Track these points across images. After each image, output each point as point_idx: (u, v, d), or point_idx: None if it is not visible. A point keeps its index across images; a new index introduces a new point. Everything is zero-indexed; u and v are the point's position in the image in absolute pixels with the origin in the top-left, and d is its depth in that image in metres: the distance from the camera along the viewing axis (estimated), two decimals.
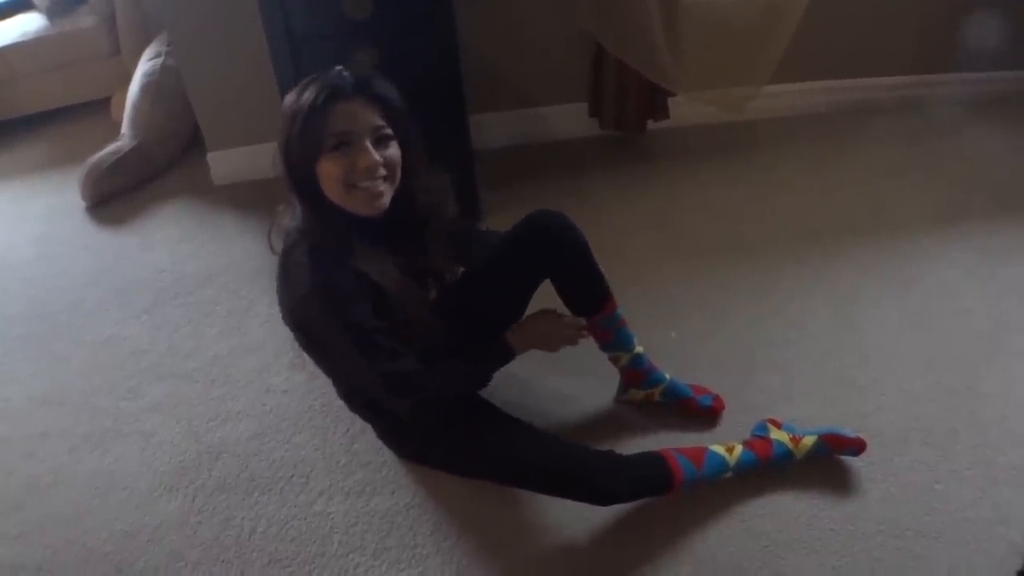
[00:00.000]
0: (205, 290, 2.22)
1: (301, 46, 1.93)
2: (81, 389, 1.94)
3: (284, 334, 1.39)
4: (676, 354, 1.82)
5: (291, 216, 1.33)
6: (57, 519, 1.62)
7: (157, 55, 2.85)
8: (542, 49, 2.59)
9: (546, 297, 1.60)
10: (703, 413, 1.70)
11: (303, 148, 1.24)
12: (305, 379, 1.84)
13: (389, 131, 1.30)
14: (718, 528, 1.50)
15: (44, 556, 1.55)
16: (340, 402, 1.60)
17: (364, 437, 1.71)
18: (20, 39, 3.10)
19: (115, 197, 2.68)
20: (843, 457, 1.60)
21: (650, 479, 1.45)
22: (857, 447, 1.57)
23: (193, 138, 2.87)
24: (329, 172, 1.26)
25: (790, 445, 1.57)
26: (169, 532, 1.57)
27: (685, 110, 2.63)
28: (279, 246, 1.33)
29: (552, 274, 1.57)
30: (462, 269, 1.60)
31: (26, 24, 3.18)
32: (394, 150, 1.31)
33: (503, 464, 1.47)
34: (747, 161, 2.62)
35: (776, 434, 1.59)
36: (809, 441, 1.57)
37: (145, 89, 2.77)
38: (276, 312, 1.36)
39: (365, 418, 1.61)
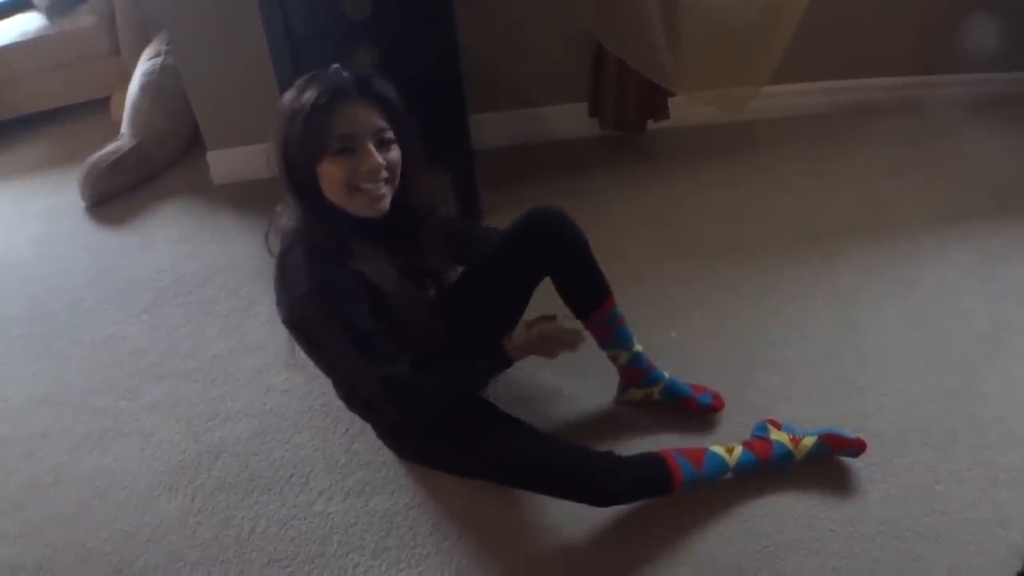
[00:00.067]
0: (205, 289, 2.22)
1: (301, 46, 1.93)
2: (81, 389, 1.94)
3: (284, 334, 1.39)
4: (676, 354, 1.82)
5: (288, 217, 1.33)
6: (57, 519, 1.62)
7: (157, 54, 2.85)
8: (542, 49, 2.59)
9: (546, 297, 1.60)
10: (703, 411, 1.70)
11: (305, 149, 1.24)
12: (305, 379, 1.84)
13: (391, 134, 1.29)
14: (718, 529, 1.50)
15: (44, 556, 1.55)
16: (340, 402, 1.60)
17: (364, 437, 1.71)
18: (20, 39, 3.10)
19: (115, 197, 2.68)
20: (843, 458, 1.60)
21: (650, 480, 1.45)
22: (857, 448, 1.57)
23: (193, 138, 2.87)
24: (332, 174, 1.25)
25: (790, 446, 1.57)
26: (169, 532, 1.57)
27: (685, 110, 2.63)
28: (276, 248, 1.33)
29: (551, 270, 1.57)
30: (461, 268, 1.60)
31: (26, 24, 3.18)
32: (396, 152, 1.31)
33: (503, 464, 1.47)
34: (747, 161, 2.62)
35: (776, 435, 1.59)
36: (809, 442, 1.57)
37: (145, 88, 2.77)
38: (276, 312, 1.36)
39: (365, 418, 1.61)
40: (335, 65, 1.28)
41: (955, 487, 1.56)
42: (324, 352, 1.38)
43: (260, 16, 1.91)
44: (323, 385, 1.71)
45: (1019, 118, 2.79)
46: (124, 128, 2.77)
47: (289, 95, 1.26)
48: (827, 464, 1.59)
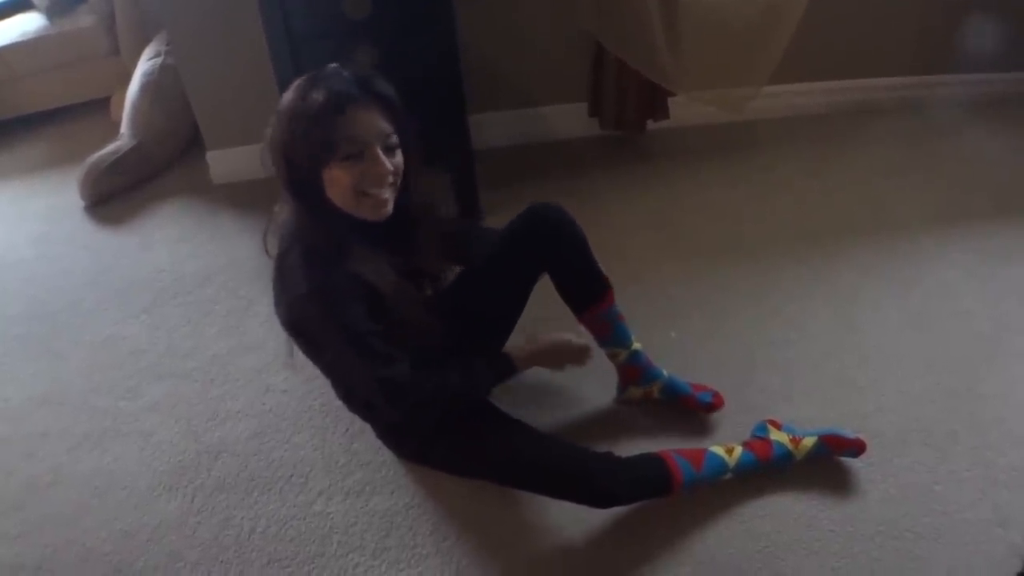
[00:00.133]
0: (204, 289, 2.22)
1: (301, 46, 1.92)
2: (80, 389, 1.94)
3: (283, 334, 1.39)
4: (676, 354, 1.82)
5: (287, 217, 1.32)
6: (56, 519, 1.62)
7: (156, 55, 2.85)
8: (542, 49, 2.59)
9: (546, 296, 1.60)
10: (703, 409, 1.70)
11: (310, 152, 1.22)
12: (304, 379, 1.84)
13: (395, 138, 1.29)
14: (717, 529, 1.50)
15: (44, 556, 1.55)
16: (339, 402, 1.59)
17: (363, 437, 1.71)
18: (20, 39, 3.10)
19: (114, 197, 2.68)
20: (843, 458, 1.60)
21: (649, 480, 1.45)
22: (857, 448, 1.57)
23: (192, 138, 2.87)
24: (339, 179, 1.25)
25: (790, 446, 1.57)
26: (168, 532, 1.57)
27: (685, 110, 2.63)
28: (274, 248, 1.33)
29: (550, 267, 1.57)
30: (459, 268, 1.60)
31: (25, 24, 3.17)
32: (400, 157, 1.30)
33: (502, 465, 1.47)
34: (747, 161, 2.62)
35: (776, 435, 1.59)
36: (809, 442, 1.57)
37: (144, 89, 2.77)
38: (274, 312, 1.36)
39: (364, 418, 1.61)
40: (334, 64, 1.28)
41: (955, 487, 1.55)
42: (323, 353, 1.37)
43: (260, 16, 1.91)
44: (322, 385, 1.71)
45: (1019, 118, 2.79)
46: (124, 128, 2.77)
47: (290, 95, 1.25)
48: (827, 464, 1.59)
